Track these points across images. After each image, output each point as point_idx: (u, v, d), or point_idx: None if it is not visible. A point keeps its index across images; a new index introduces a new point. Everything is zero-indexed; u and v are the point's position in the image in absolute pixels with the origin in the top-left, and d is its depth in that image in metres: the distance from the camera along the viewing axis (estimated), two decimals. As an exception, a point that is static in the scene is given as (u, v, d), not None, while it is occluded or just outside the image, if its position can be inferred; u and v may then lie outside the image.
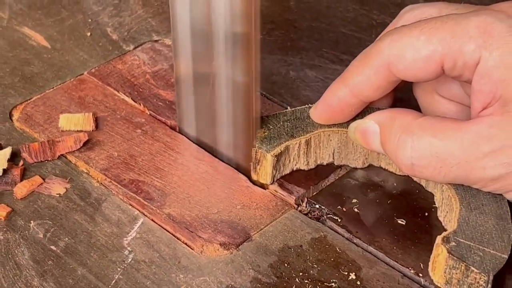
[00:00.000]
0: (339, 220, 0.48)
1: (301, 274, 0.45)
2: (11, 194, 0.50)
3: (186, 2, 0.48)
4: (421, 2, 0.51)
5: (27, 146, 0.52)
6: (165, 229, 0.48)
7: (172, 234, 0.47)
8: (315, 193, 0.50)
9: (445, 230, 0.46)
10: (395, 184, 0.50)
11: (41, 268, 0.45)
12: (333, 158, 0.51)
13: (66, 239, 0.47)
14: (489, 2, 0.47)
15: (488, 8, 0.45)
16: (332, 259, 0.46)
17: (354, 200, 0.49)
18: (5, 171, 0.50)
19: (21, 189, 0.50)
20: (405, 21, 0.49)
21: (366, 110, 0.50)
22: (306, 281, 0.45)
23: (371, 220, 0.48)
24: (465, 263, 0.43)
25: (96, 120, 0.55)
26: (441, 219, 0.48)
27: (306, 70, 0.60)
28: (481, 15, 0.44)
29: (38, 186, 0.50)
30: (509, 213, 0.45)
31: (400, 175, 0.51)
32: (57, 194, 0.50)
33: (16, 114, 0.55)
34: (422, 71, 0.46)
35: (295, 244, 0.47)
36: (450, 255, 0.43)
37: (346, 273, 0.45)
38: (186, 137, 0.54)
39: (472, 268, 0.42)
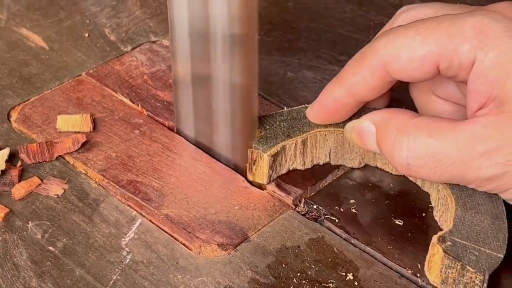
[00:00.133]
0: (336, 220, 0.48)
1: (298, 274, 0.45)
2: (9, 195, 0.50)
3: (184, 3, 0.48)
4: (417, 3, 0.51)
5: (25, 147, 0.52)
6: (163, 229, 0.48)
7: (170, 234, 0.48)
8: (312, 194, 0.50)
9: (441, 229, 0.46)
10: (392, 185, 0.51)
11: (39, 269, 0.45)
12: (330, 158, 0.51)
13: (64, 239, 0.47)
14: (485, 3, 0.47)
15: (484, 9, 0.46)
16: (329, 260, 0.46)
17: (352, 201, 0.50)
18: (3, 172, 0.51)
19: (19, 190, 0.50)
20: (401, 22, 0.49)
21: (362, 110, 0.50)
22: (303, 281, 0.45)
23: (369, 221, 0.48)
24: (461, 263, 0.43)
25: (94, 121, 0.55)
26: (437, 218, 0.48)
27: (304, 71, 0.60)
28: (477, 15, 0.44)
29: (36, 187, 0.50)
30: (505, 213, 0.45)
31: (396, 175, 0.51)
32: (55, 195, 0.50)
33: (14, 115, 0.56)
34: (417, 71, 0.46)
35: (292, 244, 0.47)
36: (446, 254, 0.43)
37: (344, 273, 0.45)
38: (184, 138, 0.54)
39: (468, 268, 0.43)
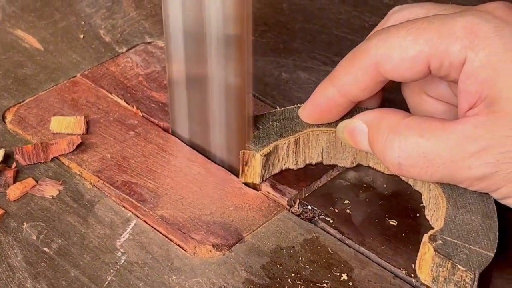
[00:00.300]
0: (331, 221, 0.48)
1: (293, 275, 0.45)
2: (4, 196, 0.50)
3: (178, 4, 0.48)
4: (410, 3, 0.51)
5: (20, 148, 0.52)
6: (158, 230, 0.48)
7: (165, 235, 0.48)
8: (307, 194, 0.50)
9: (433, 229, 0.47)
10: (386, 185, 0.51)
11: (34, 270, 0.45)
12: (322, 158, 0.52)
13: (59, 241, 0.47)
14: (477, 3, 0.47)
15: (474, 9, 0.46)
16: (324, 260, 0.46)
17: (346, 201, 0.50)
18: (-2, 173, 0.51)
19: (14, 191, 0.50)
20: (394, 22, 0.49)
21: (355, 110, 0.50)
22: (298, 282, 0.45)
23: (363, 221, 0.48)
24: (451, 261, 0.43)
25: (88, 123, 0.55)
26: (428, 217, 0.48)
27: (299, 72, 0.60)
28: (467, 15, 0.44)
29: (31, 188, 0.50)
30: (495, 212, 0.46)
31: (390, 175, 0.51)
32: (50, 196, 0.50)
33: (9, 116, 0.56)
34: (409, 71, 0.46)
35: (287, 245, 0.47)
36: (437, 253, 0.43)
37: (338, 274, 0.45)
38: (179, 139, 0.54)
39: (459, 266, 0.43)
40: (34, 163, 0.52)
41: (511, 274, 0.45)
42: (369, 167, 0.52)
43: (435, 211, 0.47)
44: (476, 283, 0.43)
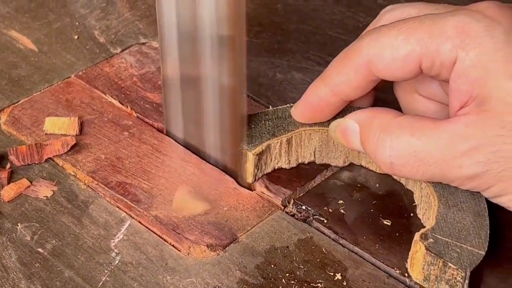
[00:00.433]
0: (325, 221, 0.49)
1: (287, 275, 0.45)
2: (-2, 197, 0.50)
3: (172, 4, 0.49)
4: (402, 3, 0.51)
5: (14, 149, 0.52)
6: (152, 231, 0.48)
7: (159, 236, 0.48)
8: (301, 195, 0.50)
9: (425, 227, 0.47)
10: (380, 185, 0.51)
11: (28, 271, 0.45)
12: (314, 157, 0.52)
13: (53, 241, 0.47)
14: (468, 2, 0.47)
15: (465, 8, 0.46)
16: (318, 260, 0.46)
17: (340, 201, 0.50)
18: (-8, 174, 0.51)
19: (8, 192, 0.50)
20: (385, 21, 0.49)
21: (347, 109, 0.50)
22: (292, 282, 0.45)
23: (357, 221, 0.48)
24: (442, 260, 0.43)
25: (83, 123, 0.55)
26: (420, 216, 0.48)
27: (293, 72, 0.60)
28: (458, 15, 0.45)
29: (25, 188, 0.50)
30: (487, 210, 0.46)
31: (382, 175, 0.51)
32: (44, 196, 0.50)
33: (3, 117, 0.56)
34: (400, 70, 0.46)
35: (281, 245, 0.47)
36: (428, 251, 0.43)
37: (332, 273, 0.46)
38: (173, 139, 0.54)
39: (450, 264, 0.43)
40: (28, 164, 0.52)
41: (502, 272, 0.46)
42: (361, 166, 0.52)
43: (427, 209, 0.47)
44: (467, 281, 0.43)
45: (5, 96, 0.57)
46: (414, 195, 0.49)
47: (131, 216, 0.49)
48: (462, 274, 0.43)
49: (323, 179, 0.51)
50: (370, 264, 0.46)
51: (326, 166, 0.52)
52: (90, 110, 0.56)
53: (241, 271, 0.46)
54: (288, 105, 0.52)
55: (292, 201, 0.50)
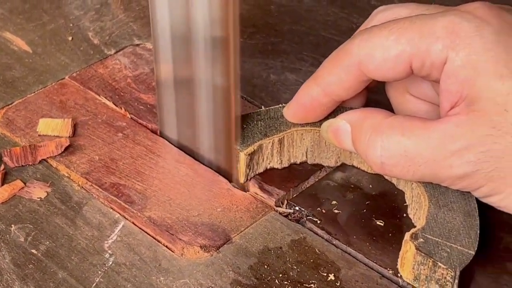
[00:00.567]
0: (318, 221, 0.49)
1: (280, 275, 0.46)
2: (-8, 198, 0.50)
3: (165, 6, 0.49)
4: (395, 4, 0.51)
5: (8, 150, 0.52)
6: (145, 232, 0.48)
7: (152, 237, 0.48)
8: (295, 195, 0.51)
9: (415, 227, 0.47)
10: (373, 186, 0.51)
11: (22, 272, 0.45)
12: (306, 157, 0.52)
13: (47, 242, 0.47)
14: (460, 3, 0.47)
15: (456, 9, 0.46)
16: (311, 261, 0.46)
17: (333, 202, 0.50)
18: (-14, 176, 0.51)
19: (2, 193, 0.50)
20: (377, 22, 0.49)
21: (339, 109, 0.51)
22: (285, 282, 0.45)
23: (350, 222, 0.49)
24: (432, 259, 0.43)
25: (76, 125, 0.55)
26: (411, 216, 0.49)
27: (287, 73, 0.60)
28: (449, 15, 0.45)
29: (19, 190, 0.50)
30: (477, 210, 0.46)
31: (375, 175, 0.51)
32: (38, 198, 0.50)
33: (-3, 119, 0.56)
34: (391, 71, 0.46)
35: (275, 246, 0.47)
36: (418, 251, 0.44)
37: (325, 274, 0.46)
38: (167, 141, 0.54)
39: (439, 264, 0.43)
40: (22, 165, 0.52)
41: (492, 272, 0.46)
42: (353, 166, 0.52)
43: (418, 209, 0.48)
44: (457, 281, 0.43)
45: (-1, 97, 0.57)
46: (406, 195, 0.50)
47: (124, 217, 0.49)
48: (452, 274, 0.43)
49: (316, 180, 0.52)
50: (363, 265, 0.46)
51: (319, 167, 0.52)
52: (84, 112, 0.56)
53: (235, 271, 0.46)
54: (280, 105, 0.52)
55: (285, 202, 0.50)
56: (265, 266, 0.46)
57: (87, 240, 0.47)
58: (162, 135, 0.55)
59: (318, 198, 0.50)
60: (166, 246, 0.47)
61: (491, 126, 0.43)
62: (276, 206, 0.50)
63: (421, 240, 0.44)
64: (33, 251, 0.47)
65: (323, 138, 0.51)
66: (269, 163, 0.51)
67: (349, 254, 0.47)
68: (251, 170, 0.51)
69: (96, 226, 0.48)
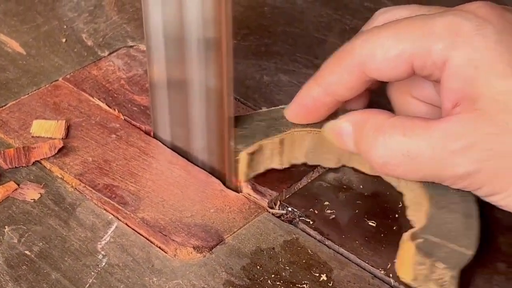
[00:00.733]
0: (311, 222, 0.49)
1: (273, 276, 0.46)
2: (-15, 200, 0.50)
3: (158, 7, 0.49)
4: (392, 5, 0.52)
5: (2, 152, 0.52)
6: (139, 233, 0.48)
7: (146, 238, 0.48)
8: (287, 196, 0.51)
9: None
10: (366, 187, 0.51)
11: (15, 273, 0.46)
12: (307, 158, 0.52)
13: (41, 244, 0.47)
14: (461, 3, 0.47)
15: (457, 9, 0.46)
16: (304, 261, 0.47)
17: (326, 203, 0.50)
18: (-21, 177, 0.51)
19: (-5, 195, 0.50)
20: (378, 23, 0.49)
21: (341, 111, 0.50)
22: (278, 283, 0.45)
23: (343, 222, 0.49)
24: (431, 260, 0.43)
25: (70, 126, 0.55)
26: (410, 218, 0.49)
27: (280, 75, 0.60)
28: (449, 15, 0.45)
29: (12, 191, 0.50)
30: (477, 211, 0.46)
31: (368, 176, 0.51)
32: (31, 199, 0.50)
33: (-9, 120, 0.56)
34: (393, 71, 0.47)
35: (267, 246, 0.47)
36: (417, 251, 0.44)
37: (318, 274, 0.46)
38: (161, 142, 0.54)
39: (438, 264, 0.43)
40: (15, 167, 0.52)
41: (491, 273, 0.46)
42: (353, 168, 0.52)
43: (417, 211, 0.48)
44: (456, 281, 0.43)
45: (-7, 99, 0.58)
46: (405, 197, 0.50)
47: (118, 219, 0.49)
48: (451, 274, 0.43)
49: (309, 180, 0.52)
50: (355, 265, 0.46)
51: (313, 168, 0.52)
52: (77, 113, 0.56)
53: (227, 272, 0.46)
54: (281, 106, 0.52)
55: (278, 202, 0.50)
56: (258, 267, 0.46)
57: (80, 241, 0.48)
58: (155, 136, 0.55)
59: (311, 199, 0.50)
60: (159, 247, 0.47)
61: (493, 125, 0.43)
62: (269, 207, 0.50)
63: (420, 240, 0.44)
64: (27, 252, 0.47)
65: (324, 139, 0.51)
66: (269, 164, 0.51)
67: (341, 254, 0.47)
68: (251, 170, 0.51)
69: (90, 227, 0.48)
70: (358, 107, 0.51)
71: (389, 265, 0.46)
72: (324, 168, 0.52)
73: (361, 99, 0.51)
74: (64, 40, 0.63)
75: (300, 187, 0.51)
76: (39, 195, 0.50)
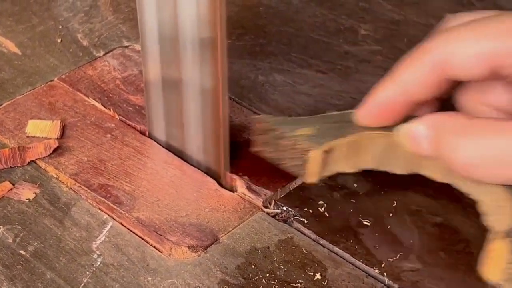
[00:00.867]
0: (305, 221, 0.49)
1: (267, 275, 0.46)
2: (-20, 199, 0.50)
3: (153, 7, 0.49)
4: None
5: (-3, 152, 0.53)
6: (133, 232, 0.48)
7: (140, 237, 0.48)
8: (282, 195, 0.51)
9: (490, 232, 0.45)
10: (360, 186, 0.51)
11: (10, 273, 0.46)
12: (375, 163, 0.49)
13: (36, 243, 0.47)
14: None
15: None
16: (298, 260, 0.47)
17: (321, 202, 0.50)
18: (-26, 177, 0.51)
19: (-10, 195, 0.50)
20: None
21: (413, 117, 0.48)
22: (272, 282, 0.45)
23: (337, 221, 0.49)
24: None
25: (65, 126, 0.55)
26: (489, 223, 0.46)
27: (275, 75, 0.60)
28: None
29: (7, 191, 0.51)
30: None
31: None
32: (26, 199, 0.50)
33: (-14, 121, 0.56)
34: (472, 69, 0.45)
35: (262, 245, 0.48)
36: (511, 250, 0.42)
37: (312, 273, 0.46)
38: (156, 142, 0.54)
39: None
40: (11, 167, 0.52)
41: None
42: (423, 175, 0.49)
43: (500, 214, 0.45)
44: None
45: (-12, 99, 0.58)
46: (482, 202, 0.47)
47: (113, 218, 0.49)
48: None
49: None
50: (350, 264, 0.47)
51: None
52: (73, 113, 0.56)
53: (222, 271, 0.46)
54: (350, 110, 0.49)
55: (273, 202, 0.50)
56: (252, 266, 0.46)
57: (75, 240, 0.48)
58: (150, 136, 0.55)
59: (306, 198, 0.51)
60: (154, 247, 0.47)
61: None
62: (264, 207, 0.50)
63: None
64: (22, 252, 0.47)
65: (395, 143, 0.48)
66: (336, 167, 0.49)
67: (336, 253, 0.47)
68: (321, 171, 0.48)
69: (84, 227, 0.48)
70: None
71: (383, 264, 0.46)
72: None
73: (430, 108, 0.49)
74: (59, 40, 0.63)
75: (295, 186, 0.51)
76: (34, 195, 0.50)
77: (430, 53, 0.46)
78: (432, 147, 0.46)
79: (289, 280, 0.46)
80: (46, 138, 0.54)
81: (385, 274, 0.46)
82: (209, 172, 0.52)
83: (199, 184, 0.51)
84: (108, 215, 0.49)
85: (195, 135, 0.52)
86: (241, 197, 0.51)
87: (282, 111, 0.57)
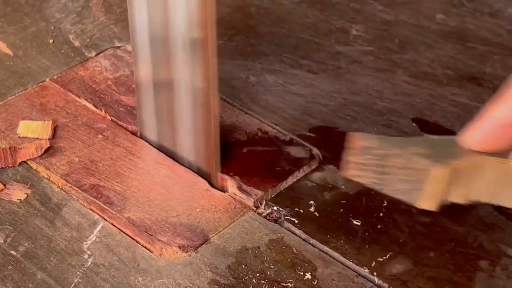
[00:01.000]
0: (296, 221, 0.49)
1: (258, 275, 0.46)
2: (-29, 200, 0.50)
3: (144, 8, 0.49)
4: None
5: (-12, 152, 0.53)
6: (124, 232, 0.48)
7: (131, 237, 0.48)
8: (273, 196, 0.51)
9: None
10: (350, 186, 0.51)
11: (1, 273, 0.46)
12: (487, 193, 0.44)
13: (26, 244, 0.47)
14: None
15: None
16: (288, 260, 0.47)
17: (311, 202, 0.50)
18: (-35, 178, 0.51)
19: (-19, 195, 0.50)
20: None
21: None
22: (263, 281, 0.46)
23: (327, 221, 0.49)
24: None
25: (57, 127, 0.55)
26: None
27: (266, 75, 0.61)
28: None
29: (-1, 192, 0.51)
30: None
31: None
32: (17, 199, 0.50)
33: (-23, 121, 0.56)
34: None
35: (252, 245, 0.48)
36: None
37: (302, 273, 0.46)
38: (147, 142, 0.54)
39: None
40: (2, 167, 0.52)
41: (467, 270, 0.46)
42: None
43: None
44: None
45: (-20, 100, 0.58)
46: None
47: (104, 218, 0.49)
48: None
49: (295, 180, 0.52)
50: (340, 264, 0.47)
51: (297, 167, 0.52)
52: (64, 114, 0.56)
53: (213, 271, 0.46)
54: (452, 136, 0.45)
55: (264, 202, 0.51)
56: (243, 266, 0.47)
57: (66, 241, 0.48)
58: (142, 136, 0.55)
59: (296, 198, 0.51)
60: (145, 247, 0.48)
61: None
62: (255, 207, 0.50)
63: None
64: (12, 252, 0.47)
65: (509, 171, 0.43)
66: (450, 194, 0.44)
67: (326, 253, 0.47)
68: (442, 193, 0.43)
69: (75, 227, 0.49)
70: None
71: (373, 263, 0.46)
72: (310, 167, 0.52)
73: None
74: (51, 41, 0.63)
75: (285, 186, 0.52)
76: (25, 195, 0.51)
77: None
78: None
79: (279, 279, 0.46)
80: (37, 138, 0.54)
81: (375, 273, 0.46)
82: (200, 172, 0.53)
83: (190, 184, 0.51)
84: (99, 215, 0.49)
85: (186, 135, 0.53)
86: (232, 197, 0.51)
87: (274, 112, 0.57)
